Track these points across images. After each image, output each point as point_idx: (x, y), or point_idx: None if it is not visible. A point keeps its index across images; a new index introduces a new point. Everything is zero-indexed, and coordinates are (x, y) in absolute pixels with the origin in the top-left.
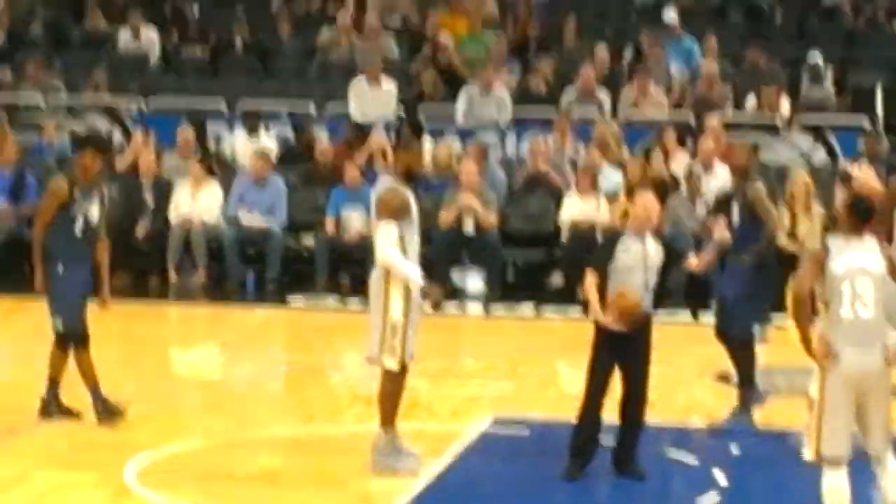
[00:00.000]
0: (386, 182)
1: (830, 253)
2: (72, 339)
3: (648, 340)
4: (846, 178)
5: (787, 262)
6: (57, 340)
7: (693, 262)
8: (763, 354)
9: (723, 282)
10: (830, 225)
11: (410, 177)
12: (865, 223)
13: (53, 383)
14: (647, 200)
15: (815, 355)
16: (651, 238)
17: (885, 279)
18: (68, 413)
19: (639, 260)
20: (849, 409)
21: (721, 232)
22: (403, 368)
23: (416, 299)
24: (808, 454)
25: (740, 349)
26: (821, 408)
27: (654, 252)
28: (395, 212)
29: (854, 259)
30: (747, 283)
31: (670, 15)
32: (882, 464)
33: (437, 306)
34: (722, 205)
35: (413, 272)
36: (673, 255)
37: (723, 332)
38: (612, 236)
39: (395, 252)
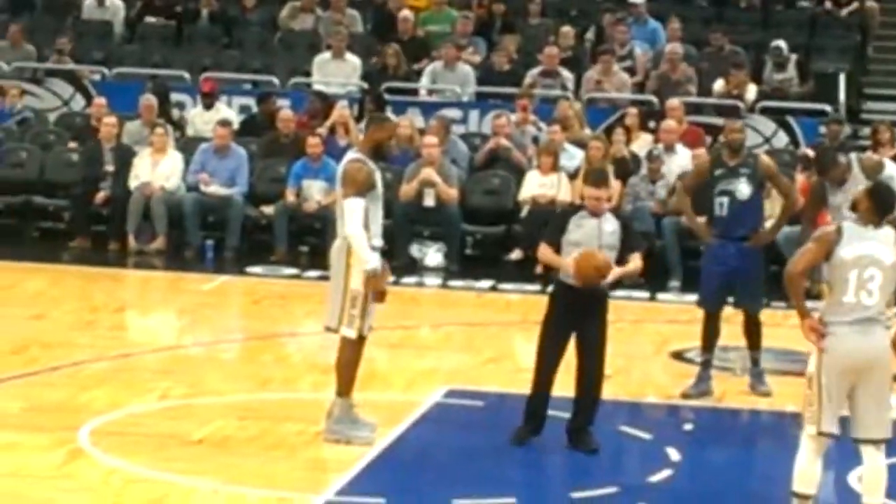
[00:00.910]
0: (352, 155)
1: (842, 238)
2: None
3: (604, 316)
4: (807, 163)
5: None
6: None
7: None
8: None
9: (742, 259)
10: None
11: (379, 151)
12: (885, 213)
13: None
14: (598, 194)
15: (806, 331)
16: (611, 217)
17: None
18: None
19: (592, 236)
20: (842, 391)
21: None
22: (361, 338)
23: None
24: (809, 430)
25: (757, 322)
26: (818, 384)
27: (611, 231)
28: (361, 186)
29: (866, 248)
30: (761, 259)
31: None
32: (869, 452)
33: (381, 298)
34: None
35: (371, 258)
36: (633, 237)
37: (747, 308)
38: (567, 211)
39: (361, 232)
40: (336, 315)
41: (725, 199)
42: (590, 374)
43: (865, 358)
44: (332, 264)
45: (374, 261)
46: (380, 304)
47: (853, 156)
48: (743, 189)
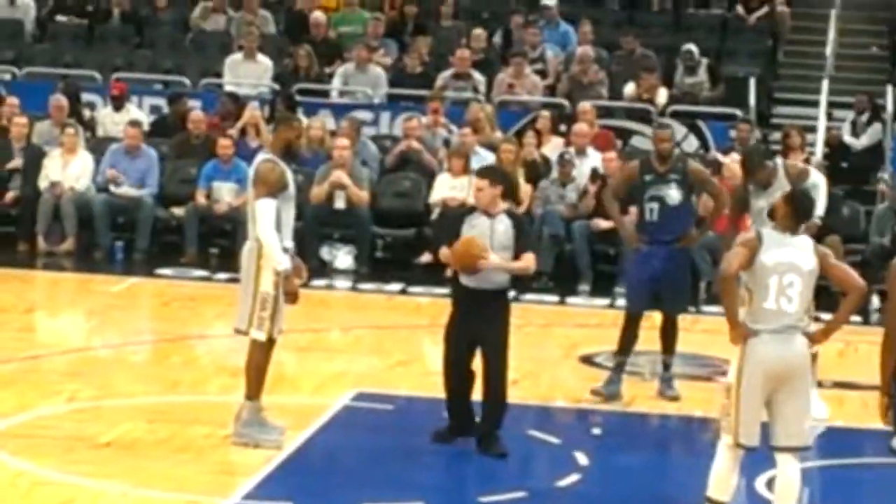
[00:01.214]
0: (263, 156)
1: (763, 244)
2: None
3: (505, 319)
4: (716, 167)
5: None
6: None
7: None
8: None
9: (670, 263)
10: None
11: (289, 152)
12: (802, 219)
13: None
14: (478, 184)
15: (735, 339)
16: (504, 217)
17: (814, 276)
18: None
19: (485, 235)
20: (761, 399)
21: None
22: (271, 341)
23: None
24: (725, 439)
25: (675, 326)
26: (738, 394)
27: (504, 231)
28: (273, 187)
29: (785, 254)
30: (689, 263)
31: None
32: (785, 460)
33: (293, 299)
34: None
35: (283, 259)
36: (525, 237)
37: (669, 312)
38: (462, 211)
39: (273, 233)
40: (246, 317)
41: (655, 205)
42: (493, 377)
43: (787, 365)
44: (242, 266)
45: (286, 262)
46: (292, 305)
47: (780, 161)
48: (673, 194)
